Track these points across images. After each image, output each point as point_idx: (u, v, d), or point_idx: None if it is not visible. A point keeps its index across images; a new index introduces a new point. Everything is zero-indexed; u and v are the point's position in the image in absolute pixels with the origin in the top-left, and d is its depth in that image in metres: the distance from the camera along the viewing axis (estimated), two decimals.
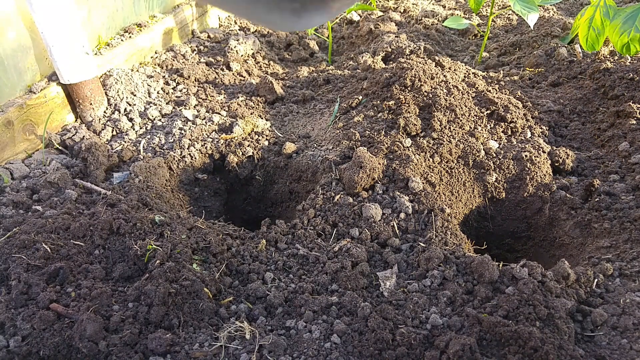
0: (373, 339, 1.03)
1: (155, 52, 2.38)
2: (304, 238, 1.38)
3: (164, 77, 2.22)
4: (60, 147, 1.80)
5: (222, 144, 1.84)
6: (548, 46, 2.38)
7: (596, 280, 1.18)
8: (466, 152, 1.63)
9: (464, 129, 1.73)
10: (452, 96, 1.81)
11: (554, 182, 1.58)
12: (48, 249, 1.22)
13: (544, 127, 1.80)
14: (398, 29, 2.76)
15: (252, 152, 1.83)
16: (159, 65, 2.31)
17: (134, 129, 1.91)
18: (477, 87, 1.91)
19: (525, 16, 2.00)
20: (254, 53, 2.56)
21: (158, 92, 2.11)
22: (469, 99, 1.83)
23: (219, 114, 2.00)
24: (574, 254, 1.43)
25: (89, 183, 1.58)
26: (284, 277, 1.26)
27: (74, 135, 1.82)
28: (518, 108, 1.82)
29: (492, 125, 1.77)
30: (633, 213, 1.38)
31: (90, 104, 1.88)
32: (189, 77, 2.24)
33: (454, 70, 2.01)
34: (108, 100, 1.96)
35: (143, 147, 1.82)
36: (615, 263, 1.25)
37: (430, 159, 1.60)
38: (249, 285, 1.22)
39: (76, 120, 1.92)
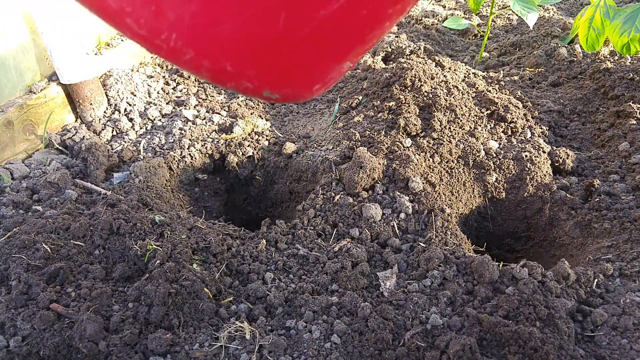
0: (373, 339, 1.03)
1: None
2: (304, 238, 1.38)
3: (164, 77, 2.22)
4: (60, 147, 1.80)
5: (222, 144, 1.84)
6: (548, 46, 2.38)
7: (596, 280, 1.18)
8: (466, 152, 1.63)
9: (464, 129, 1.73)
10: (452, 96, 1.81)
11: (554, 182, 1.58)
12: (48, 249, 1.22)
13: (544, 127, 1.80)
14: (398, 29, 2.76)
15: (252, 152, 1.83)
16: (159, 65, 2.31)
17: (134, 129, 1.91)
18: (477, 87, 1.91)
19: (524, 16, 2.00)
20: None
21: (158, 92, 2.11)
22: (469, 99, 1.83)
23: (219, 114, 2.00)
24: (574, 254, 1.43)
25: (89, 183, 1.58)
26: (284, 277, 1.26)
27: (74, 135, 1.82)
28: (518, 108, 1.82)
29: (492, 125, 1.77)
30: (633, 213, 1.38)
31: (91, 104, 1.88)
32: (189, 77, 2.24)
33: (454, 70, 2.01)
34: (108, 100, 1.96)
35: (143, 147, 1.82)
36: (616, 263, 1.25)
37: (430, 159, 1.60)
38: (249, 285, 1.22)
39: (76, 120, 1.92)
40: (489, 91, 1.90)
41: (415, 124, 1.73)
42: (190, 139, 1.84)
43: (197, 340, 1.05)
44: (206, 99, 2.11)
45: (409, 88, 1.87)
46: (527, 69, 2.29)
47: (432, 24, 2.81)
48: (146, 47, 0.38)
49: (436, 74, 1.90)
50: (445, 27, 2.75)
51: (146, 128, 1.93)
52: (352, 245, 1.32)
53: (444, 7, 3.18)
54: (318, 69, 0.43)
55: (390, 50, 2.37)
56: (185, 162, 1.77)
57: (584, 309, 1.11)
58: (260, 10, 0.36)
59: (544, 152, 1.65)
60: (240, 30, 0.37)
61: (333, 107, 2.06)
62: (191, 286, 1.13)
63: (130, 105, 1.98)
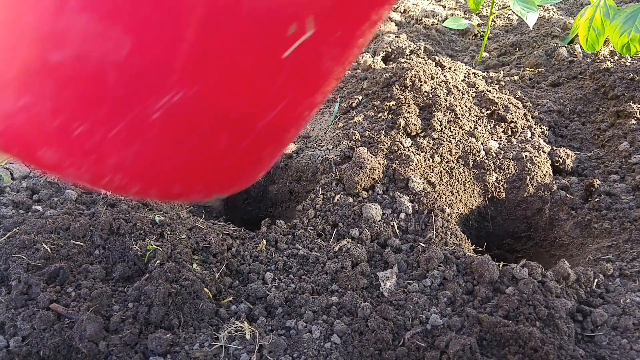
0: (373, 339, 1.03)
1: None
2: (304, 238, 1.38)
3: None
4: None
5: None
6: (548, 46, 2.38)
7: (596, 280, 1.18)
8: (466, 152, 1.63)
9: (464, 129, 1.73)
10: (452, 96, 1.81)
11: (554, 182, 1.58)
12: (48, 249, 1.22)
13: (544, 127, 1.80)
14: (398, 29, 2.76)
15: None
16: None
17: None
18: (477, 87, 1.91)
19: (524, 16, 2.00)
20: None
21: None
22: (469, 99, 1.83)
23: None
24: (574, 254, 1.43)
25: None
26: (284, 277, 1.26)
27: None
28: (518, 108, 1.82)
29: (492, 125, 1.77)
30: (633, 213, 1.38)
31: None
32: None
33: (454, 70, 2.01)
34: None
35: None
36: (616, 263, 1.25)
37: (431, 159, 1.61)
38: (249, 285, 1.22)
39: None
40: (489, 91, 1.90)
41: (415, 124, 1.73)
42: None
43: (197, 340, 1.05)
44: None
45: (409, 88, 1.87)
46: (527, 69, 2.29)
47: (432, 24, 2.81)
48: (90, 188, 0.39)
49: (436, 74, 1.90)
50: (445, 27, 2.75)
51: None
52: (352, 245, 1.32)
53: (444, 7, 3.18)
54: (262, 163, 0.44)
55: (390, 50, 2.37)
56: None
57: (584, 309, 1.11)
58: (202, 139, 0.37)
59: (544, 152, 1.65)
60: (184, 158, 0.38)
61: (333, 107, 2.06)
62: (191, 286, 1.13)
63: None
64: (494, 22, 2.90)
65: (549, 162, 1.63)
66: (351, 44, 0.39)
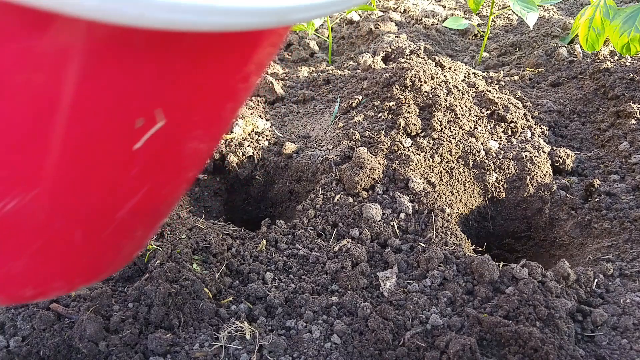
0: (373, 339, 1.03)
1: None
2: (304, 238, 1.38)
3: None
4: None
5: (222, 144, 1.84)
6: (548, 46, 2.38)
7: (596, 280, 1.18)
8: (466, 152, 1.63)
9: (464, 129, 1.73)
10: (452, 96, 1.81)
11: (554, 182, 1.58)
12: None
13: (544, 127, 1.80)
14: (398, 29, 2.76)
15: (252, 152, 1.83)
16: None
17: None
18: (477, 87, 1.91)
19: (524, 16, 2.00)
20: None
21: None
22: (469, 99, 1.83)
23: None
24: (574, 254, 1.44)
25: None
26: (284, 277, 1.26)
27: None
28: (518, 108, 1.82)
29: (492, 125, 1.77)
30: (633, 213, 1.38)
31: None
32: None
33: (454, 70, 2.01)
34: None
35: None
36: (616, 263, 1.25)
37: (431, 159, 1.60)
38: (249, 285, 1.22)
39: None
40: (489, 91, 1.90)
41: (415, 124, 1.73)
42: None
43: (197, 340, 1.05)
44: None
45: (409, 88, 1.87)
46: (527, 69, 2.29)
47: (432, 24, 2.81)
48: None
49: (436, 74, 1.90)
50: (445, 27, 2.75)
51: None
52: (352, 245, 1.32)
53: (444, 7, 3.18)
54: (135, 245, 0.42)
55: (390, 50, 2.37)
56: None
57: (584, 309, 1.11)
58: (52, 238, 0.34)
59: (544, 152, 1.65)
60: (34, 259, 0.34)
61: (333, 107, 2.06)
62: (191, 286, 1.13)
63: None
64: (494, 22, 2.90)
65: (549, 162, 1.63)
66: (214, 124, 0.37)
